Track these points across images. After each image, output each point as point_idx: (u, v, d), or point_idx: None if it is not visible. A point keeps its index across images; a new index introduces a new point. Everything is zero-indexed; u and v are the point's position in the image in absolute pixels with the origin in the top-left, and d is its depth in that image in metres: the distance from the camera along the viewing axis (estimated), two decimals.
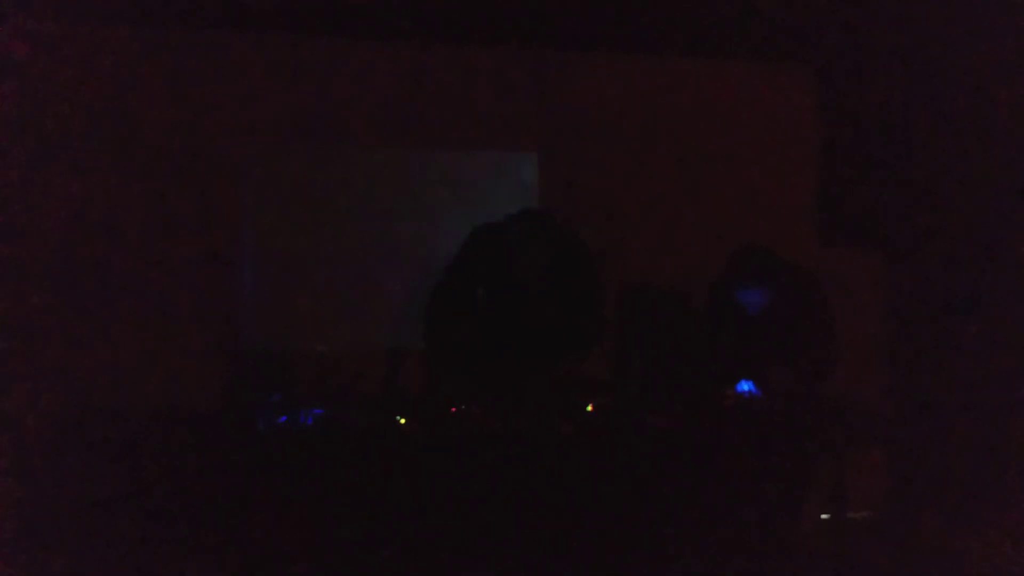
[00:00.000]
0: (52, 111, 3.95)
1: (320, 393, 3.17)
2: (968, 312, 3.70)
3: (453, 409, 3.12)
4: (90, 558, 2.75)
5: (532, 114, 4.48)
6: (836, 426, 3.29)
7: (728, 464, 3.14)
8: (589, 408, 3.21)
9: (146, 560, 2.77)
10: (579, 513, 3.02)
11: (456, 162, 4.44)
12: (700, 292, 3.80)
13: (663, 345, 4.21)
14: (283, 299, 4.22)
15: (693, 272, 3.95)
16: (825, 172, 4.77)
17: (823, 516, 3.47)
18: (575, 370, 3.50)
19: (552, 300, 3.47)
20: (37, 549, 2.74)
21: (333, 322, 4.24)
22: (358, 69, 4.32)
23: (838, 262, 4.53)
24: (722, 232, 4.21)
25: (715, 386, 3.50)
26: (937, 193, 4.59)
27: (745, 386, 3.41)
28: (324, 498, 2.89)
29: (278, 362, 4.01)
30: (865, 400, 3.66)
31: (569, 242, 3.52)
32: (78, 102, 4.00)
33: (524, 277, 3.45)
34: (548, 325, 3.46)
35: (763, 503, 3.20)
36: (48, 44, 3.94)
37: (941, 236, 4.57)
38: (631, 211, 4.50)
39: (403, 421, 3.04)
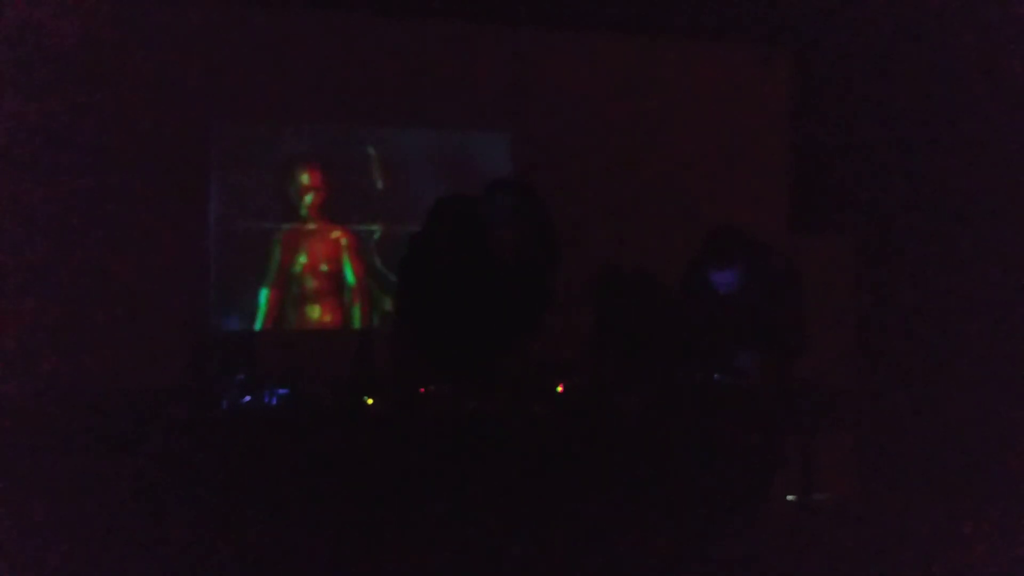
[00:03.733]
0: (11, 88, 3.84)
1: (286, 373, 3.11)
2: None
3: (422, 389, 3.08)
4: (51, 534, 2.69)
5: (506, 94, 4.44)
6: (804, 408, 3.31)
7: (697, 445, 3.14)
8: (560, 389, 3.18)
9: (105, 537, 2.72)
10: (548, 493, 3.00)
11: (428, 141, 4.39)
12: (673, 274, 3.79)
13: (636, 326, 4.21)
14: (250, 278, 4.16)
15: (666, 254, 3.94)
16: (800, 157, 4.78)
17: (789, 498, 3.48)
18: (541, 350, 3.48)
19: (527, 274, 3.43)
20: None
21: (300, 301, 4.19)
22: (329, 45, 4.24)
23: (812, 247, 4.54)
24: (696, 215, 4.20)
25: (687, 367, 3.50)
26: (912, 179, 4.62)
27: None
28: (288, 479, 2.85)
29: (243, 341, 3.95)
30: (834, 382, 3.68)
31: (545, 214, 3.46)
32: (38, 80, 3.89)
33: (503, 249, 3.39)
34: (523, 300, 3.42)
35: (731, 484, 3.21)
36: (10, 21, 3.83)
37: (915, 222, 4.61)
38: (605, 192, 4.48)
39: (370, 401, 2.99)
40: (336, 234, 4.29)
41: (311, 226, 4.26)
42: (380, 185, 4.35)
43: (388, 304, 3.71)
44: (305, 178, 4.26)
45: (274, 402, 2.98)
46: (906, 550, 3.53)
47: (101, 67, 3.97)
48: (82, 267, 3.92)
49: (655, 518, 3.08)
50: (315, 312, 4.19)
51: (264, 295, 4.11)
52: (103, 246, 3.96)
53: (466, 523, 2.94)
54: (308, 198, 4.25)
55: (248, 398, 2.98)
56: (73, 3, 3.92)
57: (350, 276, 4.27)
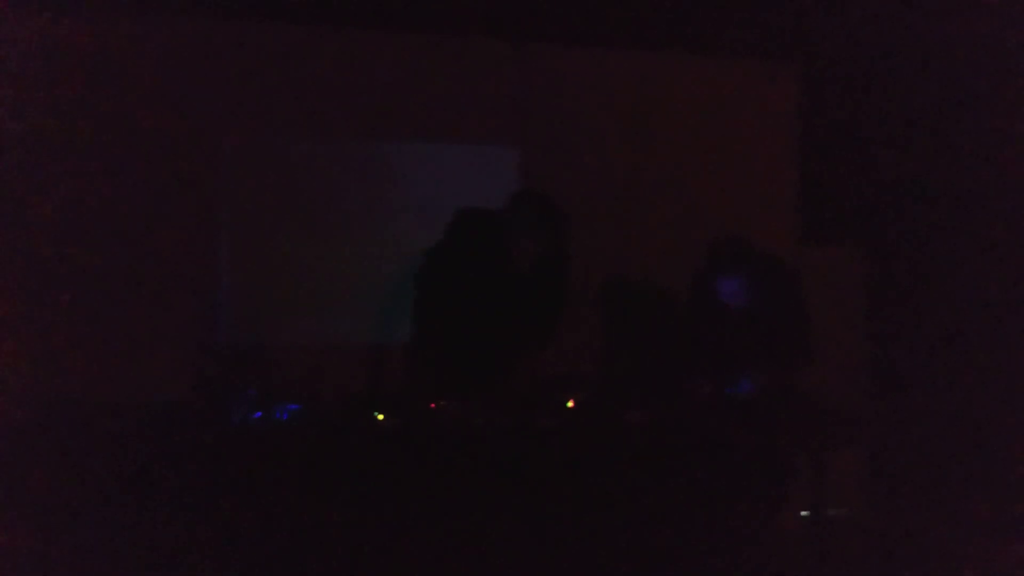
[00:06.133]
0: (22, 102, 3.85)
1: (297, 388, 3.11)
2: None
3: (432, 405, 3.07)
4: (58, 547, 2.68)
5: (515, 107, 4.44)
6: (816, 423, 3.29)
7: (708, 460, 3.12)
8: (570, 404, 3.18)
9: (115, 552, 2.71)
10: (558, 509, 2.99)
11: (437, 155, 4.40)
12: (682, 287, 3.78)
13: (645, 340, 4.20)
14: (261, 292, 4.16)
15: (675, 267, 3.93)
16: (807, 168, 4.77)
17: (803, 513, 3.47)
18: (551, 364, 3.47)
19: (545, 286, 3.42)
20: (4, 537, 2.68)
21: (311, 316, 4.18)
22: (339, 60, 4.26)
23: (820, 258, 4.53)
24: (704, 227, 4.19)
25: (696, 381, 3.49)
26: (920, 189, 4.61)
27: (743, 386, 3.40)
28: (298, 495, 2.84)
29: (255, 356, 3.94)
30: (845, 397, 3.67)
31: (568, 227, 3.45)
32: (50, 96, 3.90)
33: (525, 261, 3.38)
34: (539, 312, 3.42)
35: (743, 500, 3.19)
36: (26, 38, 3.85)
37: (924, 233, 4.59)
38: (613, 205, 4.48)
39: (381, 417, 2.99)
40: (349, 247, 4.30)
41: (322, 238, 4.26)
42: (392, 198, 4.35)
43: (402, 319, 3.69)
44: (315, 192, 4.27)
45: (285, 417, 2.97)
46: (920, 564, 3.51)
47: (111, 81, 3.98)
48: (89, 278, 3.92)
49: (667, 533, 3.06)
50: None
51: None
52: (112, 258, 3.96)
53: (477, 538, 2.93)
54: (318, 211, 4.26)
55: (259, 413, 2.97)
56: (85, 17, 3.94)
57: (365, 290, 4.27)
